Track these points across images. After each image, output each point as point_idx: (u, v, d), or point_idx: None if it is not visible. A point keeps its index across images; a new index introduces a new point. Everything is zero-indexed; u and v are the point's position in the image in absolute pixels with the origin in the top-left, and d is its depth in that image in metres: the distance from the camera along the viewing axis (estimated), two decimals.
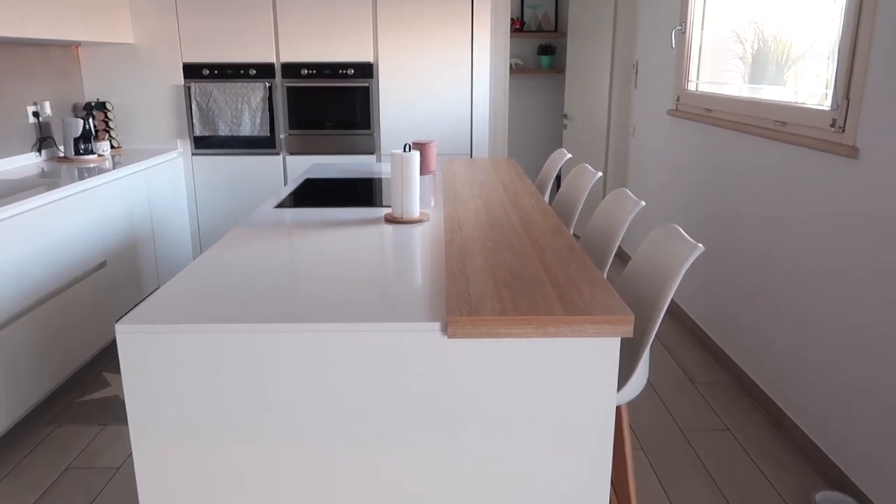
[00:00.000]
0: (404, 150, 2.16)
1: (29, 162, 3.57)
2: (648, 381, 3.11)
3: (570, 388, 1.41)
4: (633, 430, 2.69)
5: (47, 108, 3.69)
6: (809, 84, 2.66)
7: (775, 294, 2.78)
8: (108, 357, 3.32)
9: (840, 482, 2.32)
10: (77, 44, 3.92)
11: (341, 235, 2.03)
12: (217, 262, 1.77)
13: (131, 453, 1.45)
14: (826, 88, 2.51)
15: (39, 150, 3.64)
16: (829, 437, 2.40)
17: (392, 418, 1.42)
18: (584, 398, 1.41)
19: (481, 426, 1.42)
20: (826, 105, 2.46)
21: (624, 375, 1.67)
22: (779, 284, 2.75)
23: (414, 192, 2.19)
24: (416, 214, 2.21)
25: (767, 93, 2.97)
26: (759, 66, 3.11)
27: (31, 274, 2.66)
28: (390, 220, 2.21)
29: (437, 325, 1.37)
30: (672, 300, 3.92)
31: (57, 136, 3.80)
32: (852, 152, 2.24)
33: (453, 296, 1.47)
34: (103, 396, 2.94)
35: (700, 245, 1.61)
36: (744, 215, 3.04)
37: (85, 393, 2.97)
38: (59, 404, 2.89)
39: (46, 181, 3.05)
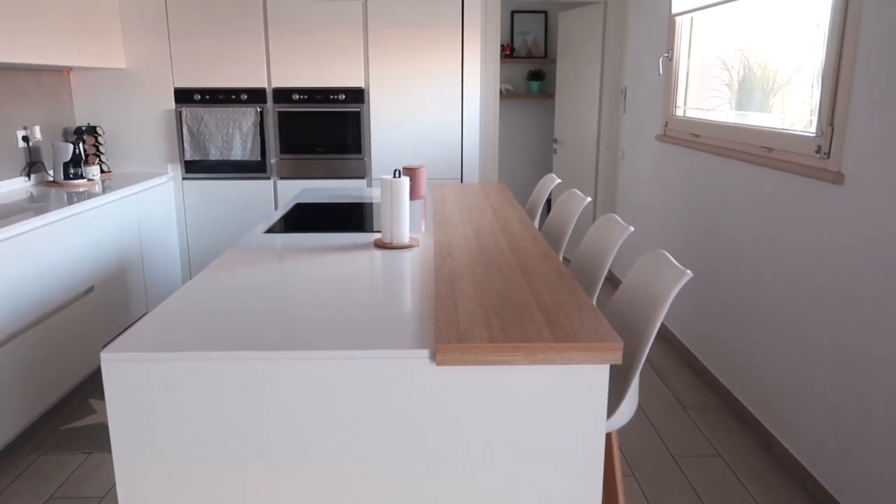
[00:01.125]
0: (394, 176, 2.17)
1: (18, 186, 3.55)
2: (639, 405, 3.10)
3: (559, 414, 1.40)
4: (624, 456, 2.67)
5: (37, 133, 3.69)
6: (795, 110, 2.70)
7: (764, 318, 2.79)
8: (94, 383, 3.28)
9: None
10: (69, 68, 3.93)
11: (331, 261, 2.03)
12: (205, 288, 1.77)
13: (115, 483, 1.43)
14: (811, 115, 2.55)
15: (29, 175, 3.63)
16: (819, 461, 2.40)
17: (380, 445, 1.40)
18: (573, 425, 1.41)
19: (470, 453, 1.41)
20: (811, 131, 2.49)
21: (614, 402, 1.67)
22: (767, 308, 2.76)
23: (404, 218, 2.19)
24: (406, 240, 2.22)
25: (754, 119, 3.01)
26: (745, 93, 3.15)
27: (18, 299, 2.63)
28: (380, 245, 2.21)
29: (425, 353, 1.37)
30: (662, 324, 3.93)
31: (47, 160, 3.79)
32: (837, 178, 2.27)
33: (442, 323, 1.46)
34: (89, 424, 2.90)
35: (688, 271, 1.62)
36: (732, 240, 3.06)
37: (70, 420, 2.93)
38: (43, 431, 2.84)
39: (35, 206, 3.04)
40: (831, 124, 2.33)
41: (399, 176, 2.17)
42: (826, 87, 2.35)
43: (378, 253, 2.13)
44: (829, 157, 2.34)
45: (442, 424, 1.39)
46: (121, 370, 1.37)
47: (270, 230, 2.46)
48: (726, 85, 3.34)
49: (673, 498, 2.41)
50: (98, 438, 2.78)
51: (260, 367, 1.36)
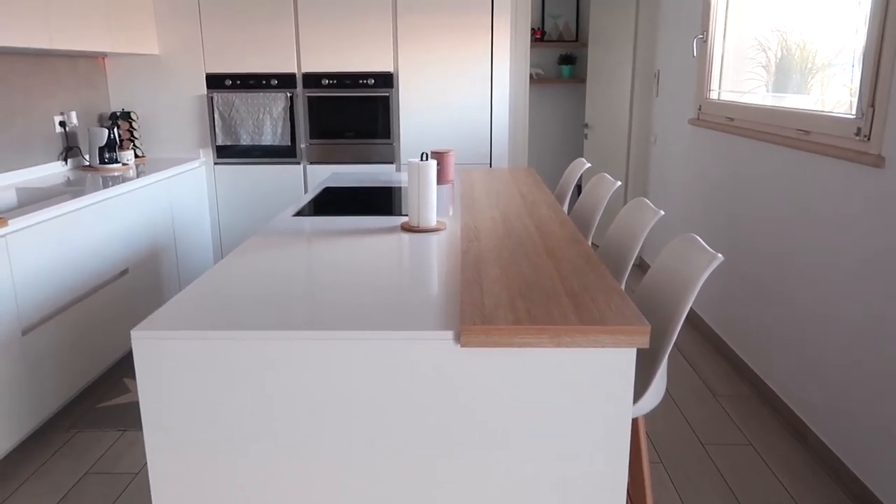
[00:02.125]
0: (421, 159, 2.16)
1: (55, 171, 3.63)
2: (668, 392, 3.07)
3: (584, 398, 1.39)
4: (652, 443, 2.65)
5: (73, 118, 3.76)
6: (834, 92, 2.62)
7: (797, 305, 2.73)
8: (128, 363, 3.36)
9: (865, 499, 2.26)
10: (103, 55, 3.99)
11: (358, 244, 2.03)
12: (234, 269, 1.79)
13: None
14: (851, 96, 2.47)
15: (65, 159, 3.71)
16: (855, 452, 2.35)
17: (404, 426, 1.41)
18: (599, 409, 1.39)
19: (494, 436, 1.41)
20: (851, 113, 2.41)
21: (641, 387, 1.65)
22: (801, 295, 2.70)
23: (431, 201, 2.18)
24: (433, 223, 2.21)
25: (791, 101, 2.93)
26: (782, 75, 3.07)
27: (56, 280, 2.70)
28: (407, 228, 2.21)
29: (450, 334, 1.36)
30: (691, 309, 3.87)
31: (83, 145, 3.87)
32: (878, 161, 2.20)
33: (467, 305, 1.46)
34: (123, 402, 2.97)
35: (719, 255, 1.59)
36: (765, 225, 3.00)
37: (105, 398, 3.01)
38: (80, 409, 2.92)
39: (71, 189, 3.10)
40: (872, 105, 2.25)
41: (426, 159, 2.16)
42: (867, 67, 2.27)
43: (405, 236, 2.13)
44: (869, 139, 2.27)
45: (466, 407, 1.39)
46: (151, 348, 1.39)
47: (299, 213, 2.48)
48: (763, 67, 3.26)
49: (701, 486, 2.38)
50: (132, 416, 2.84)
51: (286, 346, 1.38)
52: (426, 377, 1.38)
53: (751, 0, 3.35)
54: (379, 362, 1.38)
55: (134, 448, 2.62)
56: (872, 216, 2.26)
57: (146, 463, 2.50)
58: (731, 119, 3.37)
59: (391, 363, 1.38)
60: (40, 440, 2.69)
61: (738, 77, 3.49)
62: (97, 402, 2.97)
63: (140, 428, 2.76)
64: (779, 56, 3.10)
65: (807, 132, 2.67)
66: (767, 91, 3.20)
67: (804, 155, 2.69)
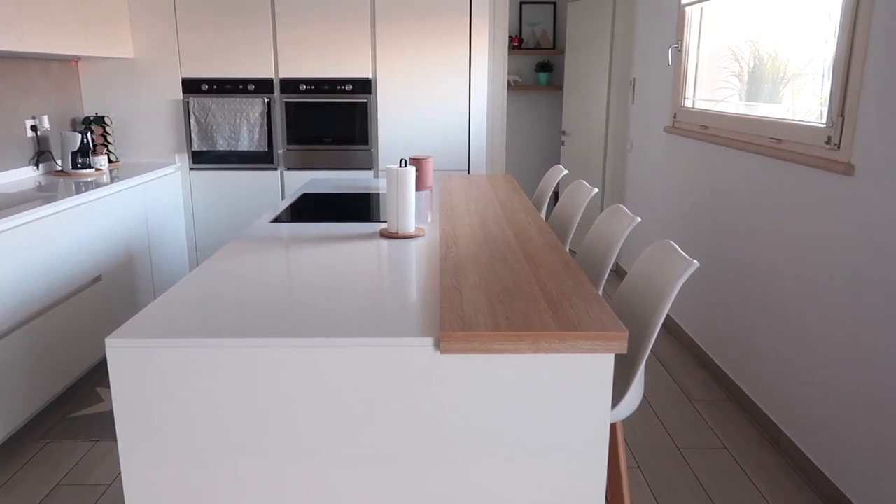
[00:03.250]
0: (400, 166, 2.16)
1: (26, 175, 3.57)
2: (645, 398, 3.09)
3: (563, 404, 1.39)
4: (630, 448, 2.67)
5: (45, 122, 3.70)
6: (805, 101, 2.67)
7: (771, 310, 2.77)
8: (102, 372, 3.30)
9: (836, 499, 2.30)
10: (77, 58, 3.94)
11: (336, 250, 2.02)
12: (210, 276, 1.77)
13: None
14: (822, 106, 2.52)
15: (37, 164, 3.65)
16: (826, 454, 2.39)
17: (384, 433, 1.40)
18: (577, 414, 1.40)
19: (473, 442, 1.41)
20: (821, 122, 2.46)
21: (619, 392, 1.66)
22: (775, 300, 2.74)
23: (409, 208, 2.18)
24: (412, 230, 2.21)
25: (763, 110, 2.98)
26: (755, 84, 3.12)
27: (27, 287, 2.65)
28: (386, 235, 2.21)
29: (430, 341, 1.36)
30: (668, 316, 3.91)
31: (55, 149, 3.80)
32: (848, 169, 2.25)
33: (447, 311, 1.46)
34: (96, 412, 2.92)
35: (695, 261, 1.61)
36: (740, 231, 3.04)
37: (78, 408, 2.95)
38: (51, 419, 2.86)
39: (43, 195, 3.05)
40: (842, 115, 2.30)
41: (405, 165, 2.16)
42: (837, 78, 2.32)
43: (384, 242, 2.12)
44: (839, 147, 2.32)
45: (445, 413, 1.39)
46: (125, 357, 1.37)
47: (277, 220, 2.46)
48: (736, 76, 3.31)
49: (678, 490, 2.40)
50: (105, 426, 2.79)
51: (264, 354, 1.36)
52: (406, 384, 1.38)
53: (724, 10, 3.41)
54: (358, 369, 1.37)
55: (107, 458, 2.58)
56: (843, 223, 2.30)
57: (120, 473, 2.46)
58: (706, 127, 3.42)
59: (371, 370, 1.37)
60: (11, 451, 2.63)
61: (713, 86, 3.55)
62: (69, 412, 2.92)
63: (113, 438, 2.71)
64: (751, 65, 3.16)
65: (779, 140, 2.72)
66: (741, 100, 3.26)
67: (777, 163, 2.74)
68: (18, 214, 2.59)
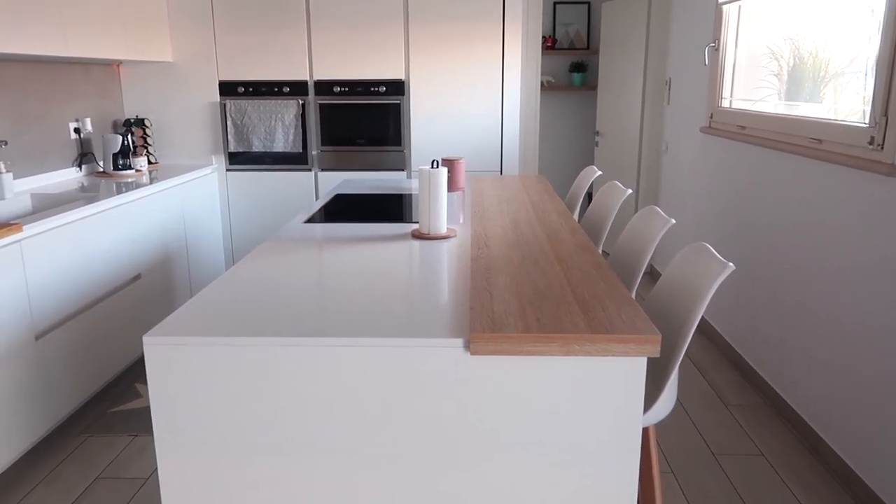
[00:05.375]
0: (432, 167, 2.17)
1: (69, 177, 3.67)
2: (679, 401, 3.05)
3: (594, 407, 1.38)
4: (663, 452, 2.63)
5: (88, 125, 3.80)
6: (847, 101, 2.61)
7: (810, 314, 2.71)
8: (140, 368, 3.38)
9: None
10: (118, 62, 4.04)
11: (368, 250, 2.04)
12: (245, 276, 1.80)
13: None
14: (864, 105, 2.46)
15: (80, 166, 3.75)
16: (867, 462, 2.32)
17: (413, 433, 1.41)
18: (609, 418, 1.39)
19: (503, 444, 1.41)
20: (864, 122, 2.40)
21: (651, 396, 1.64)
22: (813, 304, 2.68)
23: (441, 208, 2.19)
24: (443, 230, 2.21)
25: (803, 110, 2.92)
26: (794, 83, 3.06)
27: (69, 285, 2.72)
28: (417, 235, 2.22)
29: (459, 342, 1.36)
30: (703, 318, 3.85)
31: (97, 151, 3.90)
32: (891, 170, 2.18)
33: (477, 312, 1.46)
34: (134, 407, 2.99)
35: (730, 264, 1.58)
36: (777, 233, 2.98)
37: (117, 403, 3.02)
38: (91, 414, 2.94)
39: (85, 195, 3.13)
40: (885, 114, 2.24)
41: (437, 166, 2.17)
42: (880, 76, 2.26)
43: (415, 243, 2.13)
44: (882, 148, 2.25)
45: (474, 414, 1.39)
46: (162, 354, 1.40)
47: (310, 220, 2.49)
48: (775, 75, 3.25)
49: (713, 496, 2.36)
50: (143, 422, 2.86)
51: (296, 353, 1.38)
52: (435, 385, 1.38)
53: (763, 8, 3.34)
54: (388, 369, 1.38)
55: (144, 453, 2.63)
56: (886, 225, 2.24)
57: (156, 468, 2.51)
58: (743, 127, 3.36)
59: (401, 370, 1.38)
60: (51, 445, 2.70)
61: (750, 85, 3.48)
62: (109, 407, 2.99)
63: (151, 433, 2.77)
64: (791, 64, 3.09)
65: (819, 141, 2.65)
66: (779, 99, 3.19)
67: (816, 164, 2.68)
68: (62, 214, 2.67)
